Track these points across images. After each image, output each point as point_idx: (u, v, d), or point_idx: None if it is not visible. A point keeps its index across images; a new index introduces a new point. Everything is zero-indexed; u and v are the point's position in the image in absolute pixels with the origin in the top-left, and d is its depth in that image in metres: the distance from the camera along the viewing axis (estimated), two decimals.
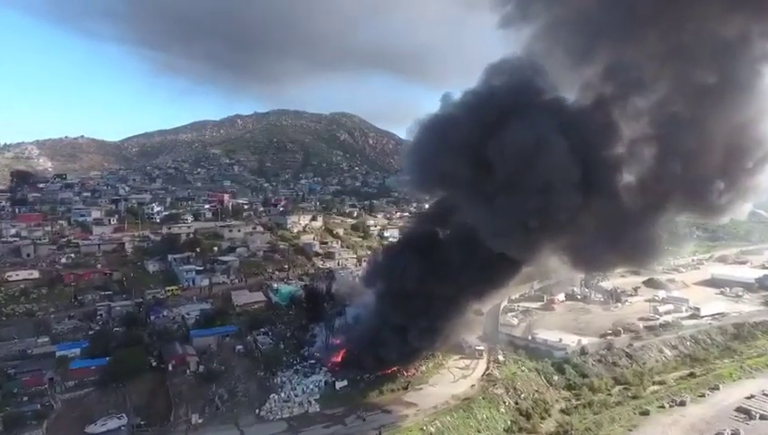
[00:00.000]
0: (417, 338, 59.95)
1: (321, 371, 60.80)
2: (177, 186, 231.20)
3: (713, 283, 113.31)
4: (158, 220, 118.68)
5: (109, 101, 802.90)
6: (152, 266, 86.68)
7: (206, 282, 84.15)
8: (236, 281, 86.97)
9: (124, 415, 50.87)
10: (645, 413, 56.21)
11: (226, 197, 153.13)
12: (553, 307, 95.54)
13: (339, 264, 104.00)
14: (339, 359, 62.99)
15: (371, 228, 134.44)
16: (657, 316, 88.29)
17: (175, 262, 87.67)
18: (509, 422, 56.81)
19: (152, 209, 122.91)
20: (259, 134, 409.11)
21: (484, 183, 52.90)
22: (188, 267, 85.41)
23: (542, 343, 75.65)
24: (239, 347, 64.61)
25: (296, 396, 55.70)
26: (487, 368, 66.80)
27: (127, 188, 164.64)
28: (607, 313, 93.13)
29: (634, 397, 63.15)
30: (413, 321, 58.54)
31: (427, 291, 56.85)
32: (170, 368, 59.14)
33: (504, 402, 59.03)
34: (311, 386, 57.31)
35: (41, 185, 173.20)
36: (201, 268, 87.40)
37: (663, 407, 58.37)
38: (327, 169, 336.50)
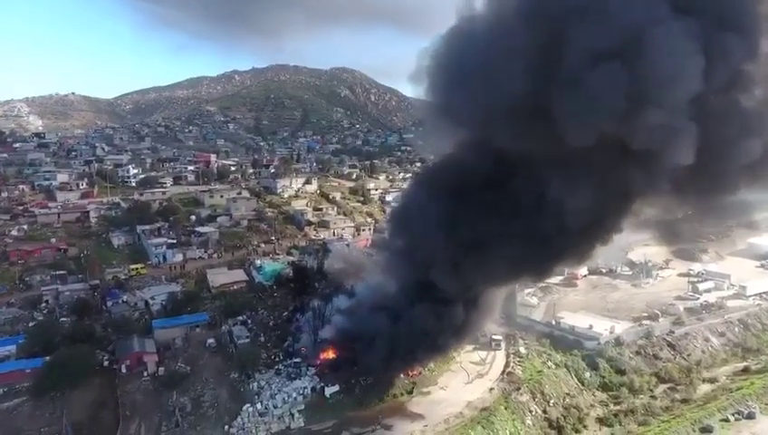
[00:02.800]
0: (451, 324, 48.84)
1: (307, 373, 50.09)
2: (168, 145, 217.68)
3: (751, 253, 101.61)
4: (133, 184, 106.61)
5: (102, 57, 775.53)
6: (118, 239, 75.30)
7: (179, 257, 72.87)
8: (215, 256, 75.64)
9: None
10: (707, 431, 45.48)
11: (213, 157, 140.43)
12: (576, 283, 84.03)
13: (334, 233, 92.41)
14: (329, 357, 52.24)
15: (372, 192, 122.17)
16: (697, 295, 77.03)
17: (144, 234, 76.11)
18: None
19: (128, 172, 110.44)
20: (256, 90, 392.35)
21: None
22: (159, 240, 73.89)
23: (569, 331, 64.79)
24: (210, 341, 53.85)
25: (276, 407, 45.13)
26: (507, 364, 56.15)
27: (106, 148, 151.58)
28: (637, 290, 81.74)
29: (684, 400, 52.81)
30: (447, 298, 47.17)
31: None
32: (123, 370, 48.60)
33: (531, 412, 48.60)
34: (294, 394, 46.67)
35: (17, 145, 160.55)
36: (174, 241, 75.95)
37: (727, 420, 47.75)
38: (327, 127, 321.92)
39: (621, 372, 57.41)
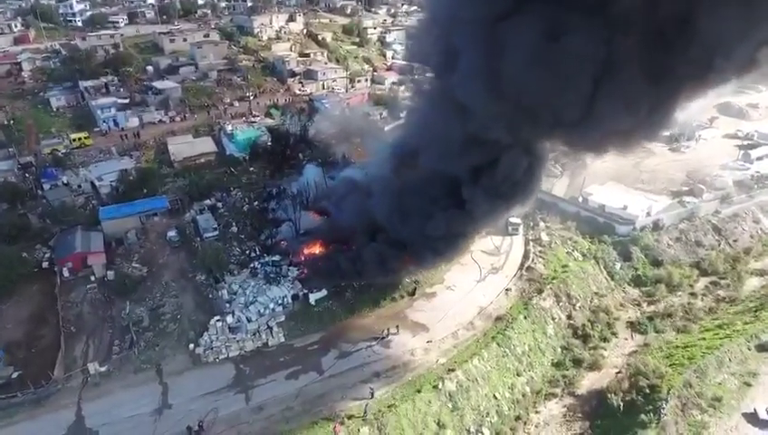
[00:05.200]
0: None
1: (288, 273, 41.67)
2: None
3: None
4: (79, 24, 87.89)
5: None
6: (57, 100, 61.58)
7: (133, 122, 60.15)
8: (177, 119, 62.71)
9: None
10: (766, 348, 38.26)
11: None
12: None
13: (323, 87, 77.78)
14: (314, 253, 43.45)
15: (369, 31, 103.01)
16: (748, 164, 65.65)
17: (89, 93, 62.14)
18: (559, 350, 39.87)
19: (71, 8, 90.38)
20: None
21: None
22: (107, 101, 60.27)
23: (598, 211, 55.16)
24: (171, 234, 44.51)
25: (250, 321, 37.54)
26: (526, 254, 47.69)
27: None
28: (676, 156, 70.09)
29: (730, 300, 45.35)
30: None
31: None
32: (66, 274, 40.15)
33: (554, 319, 41.24)
34: (271, 304, 38.74)
35: None
36: (126, 101, 62.33)
37: None
38: None
39: (657, 264, 49.30)
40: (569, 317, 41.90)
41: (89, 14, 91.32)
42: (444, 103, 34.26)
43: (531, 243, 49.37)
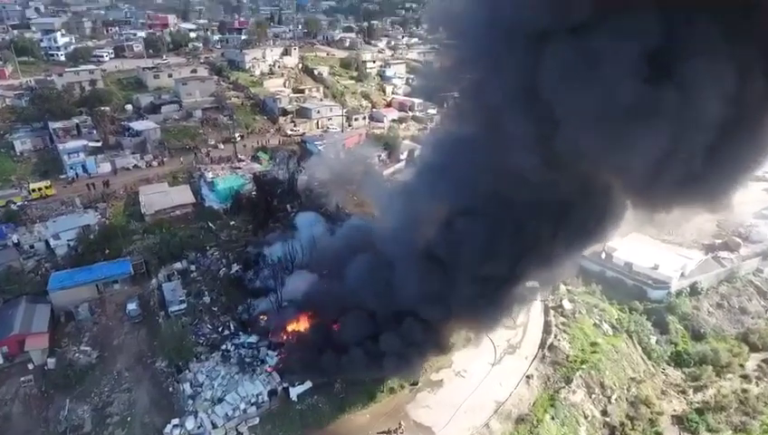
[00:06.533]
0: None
1: (267, 357, 34.85)
2: (133, 3, 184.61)
3: None
4: (62, 58, 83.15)
5: None
6: (22, 143, 55.87)
7: (105, 168, 54.27)
8: (155, 163, 56.78)
9: None
10: None
11: (171, 19, 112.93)
12: None
13: (318, 125, 72.23)
14: (296, 330, 36.65)
15: (368, 65, 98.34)
16: None
17: (57, 135, 56.45)
18: None
19: (55, 41, 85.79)
20: None
21: None
22: (75, 144, 54.42)
23: (625, 270, 48.81)
24: (131, 307, 37.84)
25: (216, 427, 30.52)
26: (547, 327, 40.86)
27: (42, 8, 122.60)
28: None
29: None
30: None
31: None
32: (0, 360, 33.46)
33: (587, 417, 34.13)
34: (243, 405, 31.78)
35: None
36: (99, 144, 56.58)
37: None
38: None
39: (699, 337, 42.60)
40: (604, 413, 34.82)
41: (74, 46, 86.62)
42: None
43: (551, 312, 42.61)
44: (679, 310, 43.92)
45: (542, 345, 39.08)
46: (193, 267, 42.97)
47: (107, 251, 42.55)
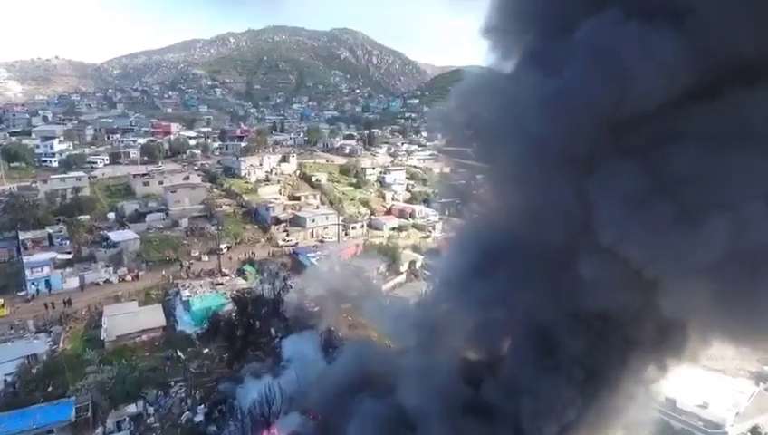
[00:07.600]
0: None
1: None
2: (143, 112, 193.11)
3: None
4: (55, 165, 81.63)
5: (89, 19, 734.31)
6: None
7: (72, 283, 48.72)
8: (129, 278, 51.30)
9: None
10: None
11: (174, 127, 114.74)
12: None
13: (313, 235, 67.94)
14: None
15: (368, 172, 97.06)
16: None
17: (25, 247, 51.69)
18: None
19: (50, 148, 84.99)
20: (248, 52, 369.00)
21: None
22: (41, 257, 49.36)
23: (669, 408, 40.82)
24: None
25: None
26: None
27: (50, 116, 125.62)
28: None
29: None
30: None
31: None
32: None
33: None
34: None
35: None
36: (69, 256, 51.58)
37: None
38: (324, 93, 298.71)
39: None
40: None
41: (69, 153, 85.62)
42: None
43: None
44: None
45: None
46: (151, 410, 35.56)
47: (49, 389, 35.49)
